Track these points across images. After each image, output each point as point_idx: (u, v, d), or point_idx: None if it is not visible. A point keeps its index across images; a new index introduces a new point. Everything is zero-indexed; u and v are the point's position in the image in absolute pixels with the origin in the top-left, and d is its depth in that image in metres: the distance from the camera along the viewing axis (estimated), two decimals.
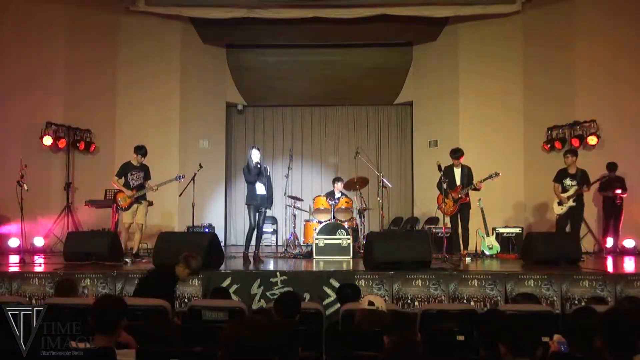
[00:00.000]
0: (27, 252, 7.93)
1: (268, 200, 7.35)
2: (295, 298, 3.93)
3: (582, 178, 7.62)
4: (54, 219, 9.15)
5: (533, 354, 2.29)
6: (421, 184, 10.75)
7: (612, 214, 8.31)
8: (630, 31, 8.92)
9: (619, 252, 8.31)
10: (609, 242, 8.46)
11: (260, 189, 7.26)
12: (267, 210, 7.45)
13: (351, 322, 3.59)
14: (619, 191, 8.11)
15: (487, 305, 5.44)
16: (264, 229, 10.71)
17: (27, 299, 5.60)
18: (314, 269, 6.75)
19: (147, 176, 7.53)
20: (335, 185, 8.89)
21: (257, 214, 7.32)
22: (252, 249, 7.53)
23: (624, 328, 2.32)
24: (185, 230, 9.17)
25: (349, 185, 8.97)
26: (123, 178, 7.40)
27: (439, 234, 8.37)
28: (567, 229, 7.72)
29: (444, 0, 9.79)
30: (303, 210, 9.70)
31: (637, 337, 2.29)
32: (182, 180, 7.81)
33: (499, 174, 7.52)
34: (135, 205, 7.41)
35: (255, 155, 7.29)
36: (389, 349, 2.35)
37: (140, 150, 7.47)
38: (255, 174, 7.22)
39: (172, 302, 4.33)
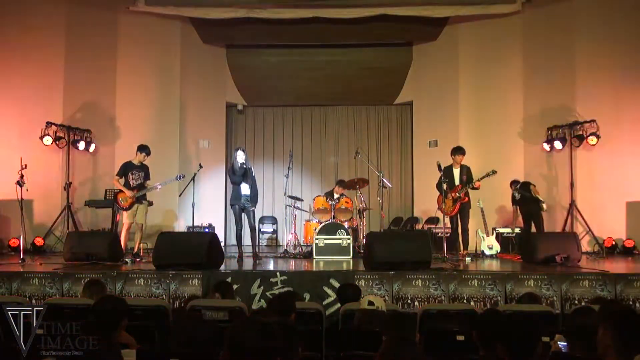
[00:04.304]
0: (27, 252, 7.93)
1: (252, 199, 7.39)
2: (290, 297, 3.92)
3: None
4: (53, 219, 9.14)
5: (531, 354, 2.28)
6: (421, 184, 10.75)
7: None
8: (630, 31, 8.93)
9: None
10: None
11: (244, 189, 7.32)
12: (253, 210, 7.47)
13: (351, 322, 3.59)
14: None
15: (487, 305, 5.44)
16: (263, 229, 10.85)
17: (27, 299, 5.59)
18: (314, 269, 6.75)
19: (147, 176, 7.54)
20: (335, 188, 8.93)
21: (243, 213, 7.38)
22: (250, 249, 7.56)
23: (634, 325, 2.29)
24: (185, 230, 9.18)
25: (349, 185, 8.99)
26: (123, 178, 7.41)
27: (439, 234, 8.38)
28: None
29: (444, 0, 9.79)
30: (303, 210, 9.71)
31: None
32: (182, 179, 7.83)
33: (495, 171, 7.55)
34: (135, 205, 7.41)
35: (240, 157, 7.35)
36: (386, 349, 2.35)
37: (145, 150, 7.48)
38: (241, 175, 7.29)
39: None
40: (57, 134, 9.23)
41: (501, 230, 8.78)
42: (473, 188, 7.62)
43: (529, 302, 4.30)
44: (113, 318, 2.79)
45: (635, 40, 8.88)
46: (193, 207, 7.78)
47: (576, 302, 5.36)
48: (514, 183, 8.78)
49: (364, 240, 7.65)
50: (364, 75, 11.31)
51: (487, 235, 8.20)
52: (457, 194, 7.57)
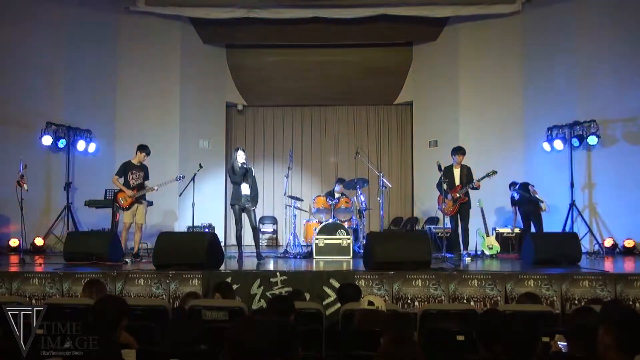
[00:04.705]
0: (27, 252, 7.92)
1: (253, 199, 7.39)
2: (289, 297, 3.92)
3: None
4: (53, 219, 9.14)
5: (531, 354, 2.27)
6: (421, 184, 10.75)
7: None
8: (630, 31, 8.92)
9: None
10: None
11: (245, 189, 7.33)
12: (254, 209, 7.48)
13: (351, 322, 3.59)
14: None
15: (487, 305, 5.44)
16: (262, 229, 10.84)
17: (27, 299, 5.59)
18: (314, 269, 6.75)
19: (146, 176, 7.55)
20: (335, 187, 8.92)
21: (243, 213, 7.39)
22: (252, 249, 7.56)
23: (634, 326, 2.28)
24: (185, 230, 9.18)
25: (349, 185, 9.00)
26: (123, 177, 7.41)
27: (439, 234, 8.38)
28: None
29: (444, 0, 9.79)
30: (303, 210, 9.70)
31: None
32: (182, 180, 7.86)
33: (496, 172, 7.54)
34: (135, 205, 7.42)
35: (241, 157, 7.36)
36: (386, 349, 2.34)
37: (145, 149, 7.51)
38: (241, 174, 7.29)
39: None
40: (57, 134, 9.22)
41: (501, 230, 8.78)
42: (473, 188, 7.62)
43: (529, 302, 4.30)
44: (113, 318, 2.79)
45: (635, 40, 8.87)
46: (193, 207, 7.78)
47: (576, 302, 5.36)
48: (512, 185, 8.80)
49: (364, 240, 7.64)
50: (364, 75, 11.31)
51: (487, 235, 8.20)
52: (457, 194, 7.56)
